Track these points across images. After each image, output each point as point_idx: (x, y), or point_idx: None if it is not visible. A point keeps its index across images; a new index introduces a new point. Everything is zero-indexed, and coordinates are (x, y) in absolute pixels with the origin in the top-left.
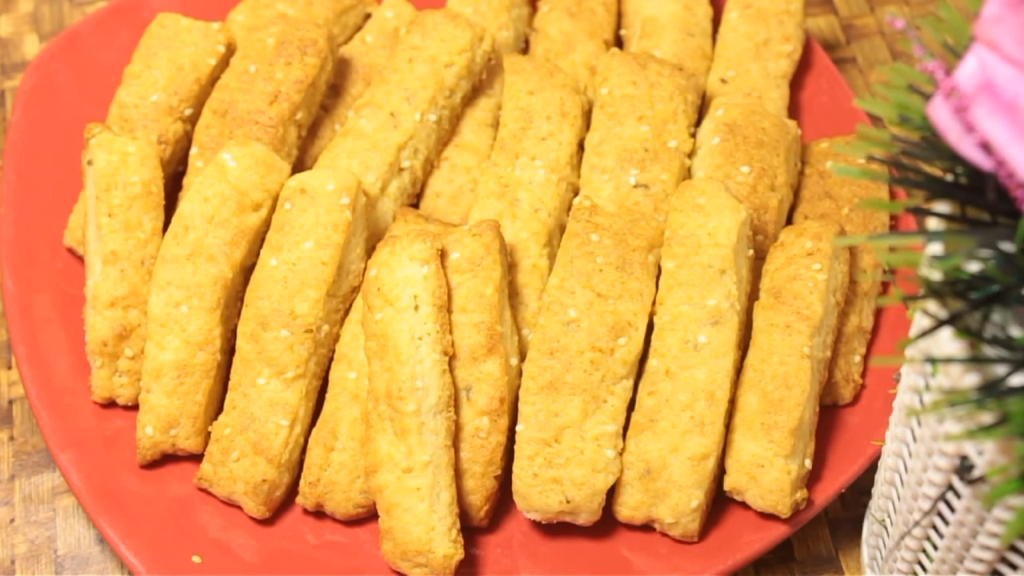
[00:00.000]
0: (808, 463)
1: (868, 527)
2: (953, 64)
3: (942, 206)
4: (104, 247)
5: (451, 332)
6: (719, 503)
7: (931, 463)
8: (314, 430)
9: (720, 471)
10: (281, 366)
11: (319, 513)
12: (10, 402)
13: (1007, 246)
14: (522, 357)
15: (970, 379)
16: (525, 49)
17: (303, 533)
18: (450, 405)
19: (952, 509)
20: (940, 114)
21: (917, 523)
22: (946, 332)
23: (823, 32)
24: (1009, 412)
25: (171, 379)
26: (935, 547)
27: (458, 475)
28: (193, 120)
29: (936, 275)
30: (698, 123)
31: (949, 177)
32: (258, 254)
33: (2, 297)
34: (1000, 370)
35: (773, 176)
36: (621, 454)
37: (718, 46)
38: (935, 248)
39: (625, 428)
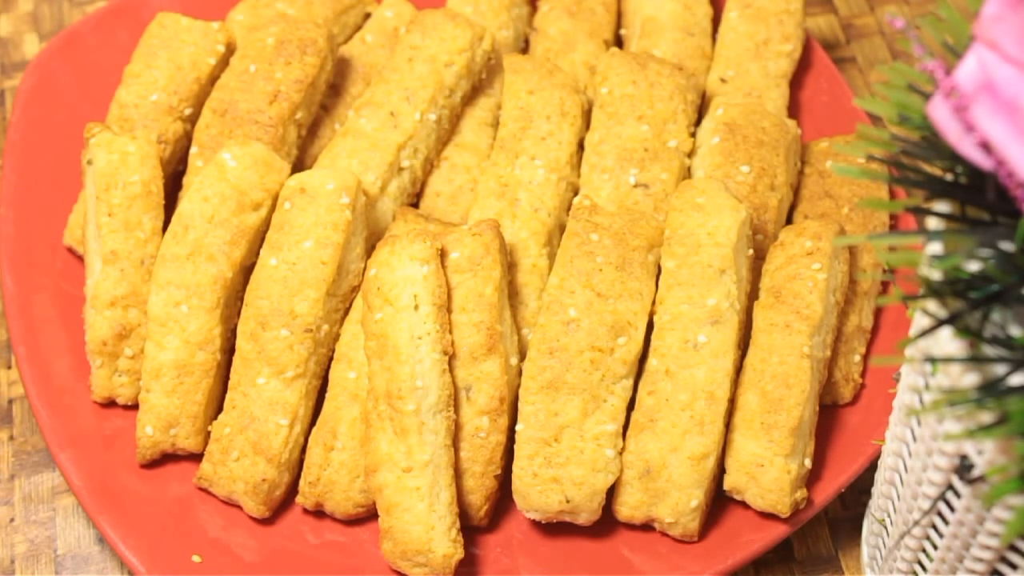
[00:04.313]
0: (808, 462)
1: (868, 527)
2: (953, 64)
3: (942, 206)
4: (104, 247)
5: (451, 332)
6: (719, 502)
7: (931, 463)
8: (314, 430)
9: (720, 470)
10: (281, 366)
11: (319, 513)
12: (10, 402)
13: (1007, 246)
14: (522, 357)
15: (970, 379)
16: (525, 49)
17: (303, 533)
18: (450, 405)
19: (952, 509)
20: (940, 114)
21: (917, 523)
22: (946, 332)
23: (823, 32)
24: (1009, 411)
25: (171, 379)
26: (935, 547)
27: (458, 475)
28: (193, 120)
29: (936, 275)
30: (698, 123)
31: (949, 177)
32: (258, 254)
33: (2, 297)
34: (1000, 370)
35: (773, 175)
36: (621, 453)
37: (718, 46)
38: (935, 248)
39: (625, 428)
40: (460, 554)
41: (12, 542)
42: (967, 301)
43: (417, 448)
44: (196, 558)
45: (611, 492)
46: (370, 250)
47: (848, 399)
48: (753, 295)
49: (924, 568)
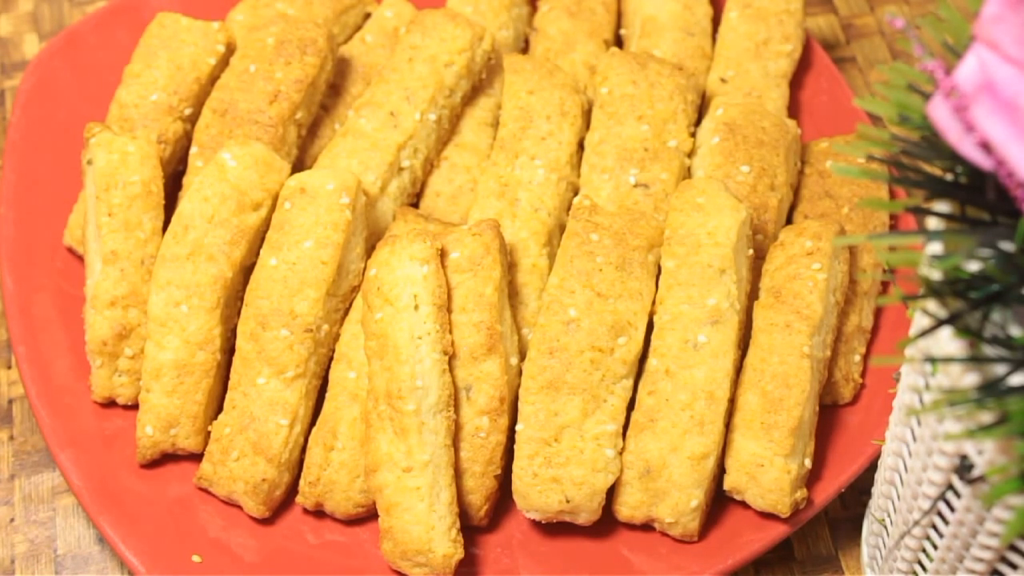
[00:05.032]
0: (808, 462)
1: (868, 527)
2: (953, 64)
3: (942, 206)
4: (104, 247)
5: (451, 331)
6: (719, 503)
7: (931, 462)
8: (314, 430)
9: (720, 470)
10: (281, 365)
11: (319, 513)
12: (10, 402)
13: (1007, 246)
14: (522, 357)
15: (970, 378)
16: (525, 49)
17: (303, 533)
18: (450, 404)
19: (952, 509)
20: (940, 113)
21: (917, 523)
22: (946, 332)
23: (823, 32)
24: (1009, 411)
25: (171, 378)
26: (935, 547)
27: (458, 474)
28: (193, 119)
29: (936, 275)
30: (698, 122)
31: (949, 177)
32: (258, 253)
33: (2, 297)
34: (1000, 370)
35: (773, 175)
36: (621, 453)
37: (718, 46)
38: (935, 248)
39: (625, 427)
40: (460, 554)
41: (12, 542)
42: (967, 301)
43: (417, 448)
44: (196, 558)
45: (611, 492)
46: (370, 250)
47: (848, 399)
48: (753, 295)
49: (924, 568)
